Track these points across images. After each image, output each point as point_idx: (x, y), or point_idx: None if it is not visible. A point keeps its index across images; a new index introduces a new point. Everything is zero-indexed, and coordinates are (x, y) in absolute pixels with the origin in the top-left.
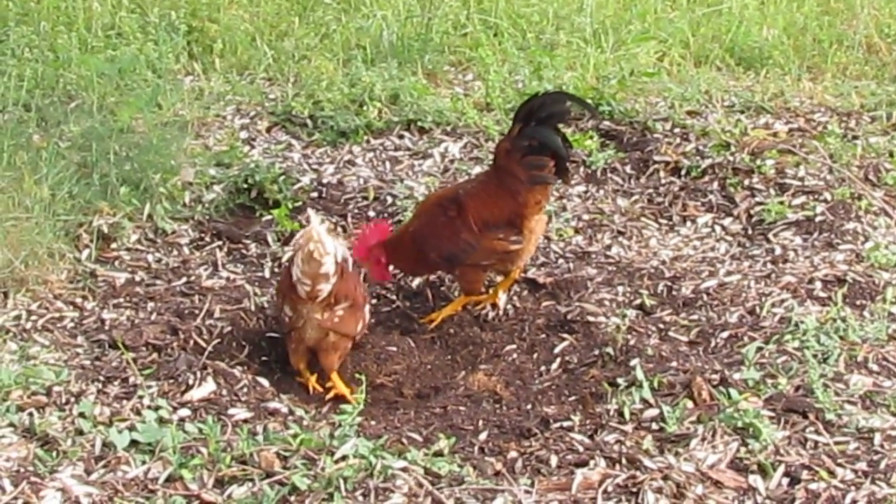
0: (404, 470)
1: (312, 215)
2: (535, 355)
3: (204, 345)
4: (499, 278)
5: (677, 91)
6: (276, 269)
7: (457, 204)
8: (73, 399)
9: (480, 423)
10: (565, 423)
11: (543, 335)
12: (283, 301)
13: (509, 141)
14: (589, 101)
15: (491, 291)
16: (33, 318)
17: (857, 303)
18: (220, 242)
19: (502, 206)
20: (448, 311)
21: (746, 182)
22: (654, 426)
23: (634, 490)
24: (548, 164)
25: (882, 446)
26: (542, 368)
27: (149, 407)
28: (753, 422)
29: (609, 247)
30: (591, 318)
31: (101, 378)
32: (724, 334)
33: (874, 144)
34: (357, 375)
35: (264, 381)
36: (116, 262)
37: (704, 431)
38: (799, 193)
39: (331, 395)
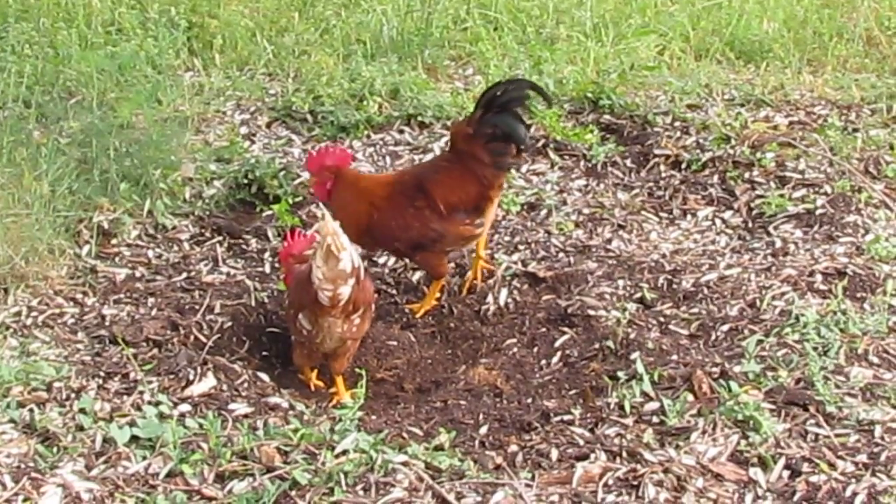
0: (405, 464)
1: (326, 212)
2: (535, 349)
3: (204, 340)
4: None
5: (677, 85)
6: (277, 265)
7: (423, 192)
8: (73, 395)
9: (481, 417)
10: (566, 417)
11: (544, 329)
12: (300, 313)
13: (471, 126)
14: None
15: (469, 274)
16: (33, 314)
17: (858, 295)
18: (220, 238)
19: (469, 191)
20: (430, 301)
21: (747, 175)
22: (655, 419)
23: (635, 483)
24: (511, 151)
25: (882, 438)
26: (543, 362)
27: (149, 402)
28: (754, 415)
29: (609, 240)
30: (591, 312)
31: (102, 374)
32: (725, 327)
33: (874, 137)
34: (357, 370)
35: (265, 377)
36: (117, 258)
37: (705, 424)
38: (799, 186)
39: (333, 401)
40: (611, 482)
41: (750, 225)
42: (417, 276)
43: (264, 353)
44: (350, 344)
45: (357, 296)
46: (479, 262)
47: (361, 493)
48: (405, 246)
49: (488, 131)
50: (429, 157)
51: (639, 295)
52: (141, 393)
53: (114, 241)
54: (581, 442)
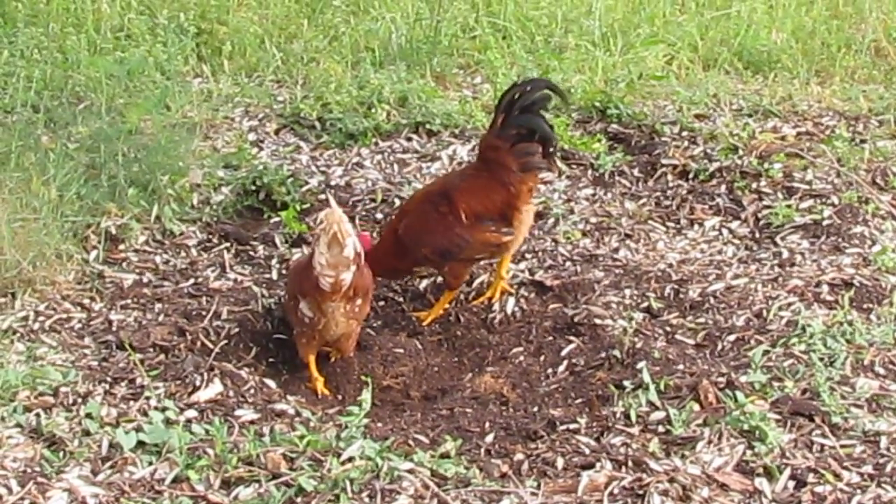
0: (411, 472)
1: (331, 200)
2: (541, 358)
3: (211, 346)
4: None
5: (685, 94)
6: (284, 272)
7: (447, 199)
8: (80, 400)
9: (487, 425)
10: (572, 426)
11: (550, 338)
12: (301, 302)
13: (495, 132)
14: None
15: (491, 288)
16: (41, 318)
17: (864, 306)
18: (227, 244)
19: (495, 199)
20: (438, 310)
21: (754, 185)
22: (661, 429)
23: (640, 493)
24: (538, 150)
25: (888, 449)
26: (549, 371)
27: (156, 408)
28: (760, 425)
29: (616, 250)
30: (597, 321)
31: (109, 379)
32: (731, 337)
33: (882, 148)
34: (364, 377)
35: (271, 383)
36: (124, 264)
37: (711, 434)
38: (806, 197)
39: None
40: (616, 491)
41: (757, 235)
42: (424, 283)
43: (271, 359)
44: (354, 325)
45: (357, 282)
46: (499, 283)
47: (367, 500)
48: (432, 252)
49: (513, 132)
50: (436, 164)
51: (645, 304)
52: (147, 398)
53: (121, 247)
54: (587, 451)
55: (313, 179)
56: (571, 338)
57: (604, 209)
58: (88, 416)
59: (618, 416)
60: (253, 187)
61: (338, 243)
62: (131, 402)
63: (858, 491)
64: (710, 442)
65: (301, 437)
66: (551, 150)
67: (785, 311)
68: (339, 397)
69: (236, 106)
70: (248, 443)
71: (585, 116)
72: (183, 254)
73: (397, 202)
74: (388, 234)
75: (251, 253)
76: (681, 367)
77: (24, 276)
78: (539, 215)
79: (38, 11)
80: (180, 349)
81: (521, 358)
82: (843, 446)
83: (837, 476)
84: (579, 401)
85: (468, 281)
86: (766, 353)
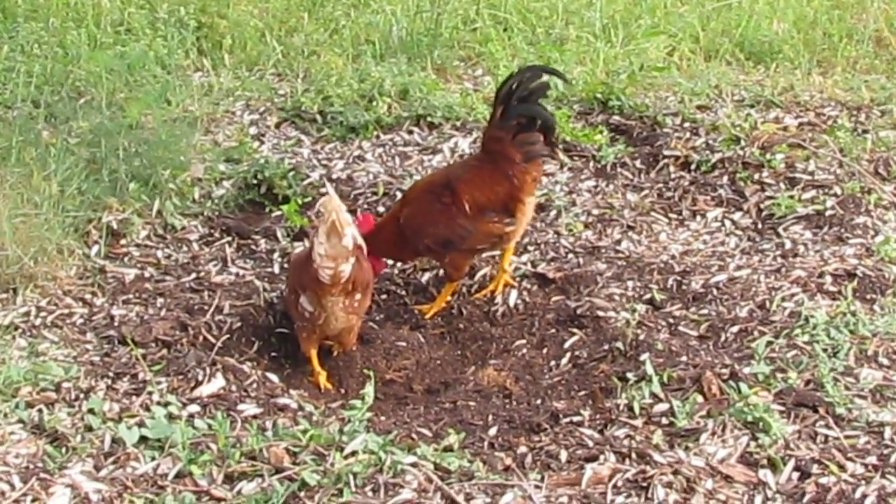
0: (414, 465)
1: (329, 188)
2: (544, 350)
3: (213, 341)
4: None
5: (687, 86)
6: (286, 266)
7: (450, 190)
8: (82, 395)
9: (490, 418)
10: (575, 418)
11: (553, 330)
12: (301, 296)
13: (496, 124)
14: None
15: (494, 281)
16: (42, 314)
17: (867, 297)
18: (229, 238)
19: (497, 190)
20: (440, 303)
21: (756, 176)
22: (664, 421)
23: (644, 485)
24: (540, 139)
25: (892, 440)
26: (552, 363)
27: (158, 403)
28: (763, 416)
29: (619, 241)
30: (600, 313)
31: (111, 374)
32: (734, 329)
33: (884, 138)
34: (366, 371)
35: (274, 377)
36: (126, 258)
37: (714, 426)
38: (809, 188)
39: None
40: (620, 483)
41: (759, 226)
42: (426, 276)
43: (273, 353)
44: (354, 320)
45: (357, 275)
46: (502, 276)
47: (370, 494)
48: (434, 242)
49: (514, 123)
50: (438, 157)
51: (648, 296)
52: (150, 393)
53: (123, 242)
54: (590, 443)
55: (315, 173)
56: (574, 330)
57: (606, 201)
58: (91, 411)
59: (621, 408)
60: (254, 181)
61: (336, 232)
62: (134, 398)
63: (863, 482)
64: (713, 434)
65: (304, 432)
66: (553, 137)
67: (788, 301)
68: (342, 391)
69: (237, 100)
70: (251, 437)
71: (587, 108)
72: (184, 248)
73: (399, 195)
74: (390, 221)
75: (253, 247)
76: (684, 358)
77: (25, 271)
78: (541, 207)
79: (38, 6)
80: (182, 344)
81: (524, 350)
82: (847, 437)
83: (841, 467)
84: (582, 393)
85: (470, 274)
86: (769, 344)
